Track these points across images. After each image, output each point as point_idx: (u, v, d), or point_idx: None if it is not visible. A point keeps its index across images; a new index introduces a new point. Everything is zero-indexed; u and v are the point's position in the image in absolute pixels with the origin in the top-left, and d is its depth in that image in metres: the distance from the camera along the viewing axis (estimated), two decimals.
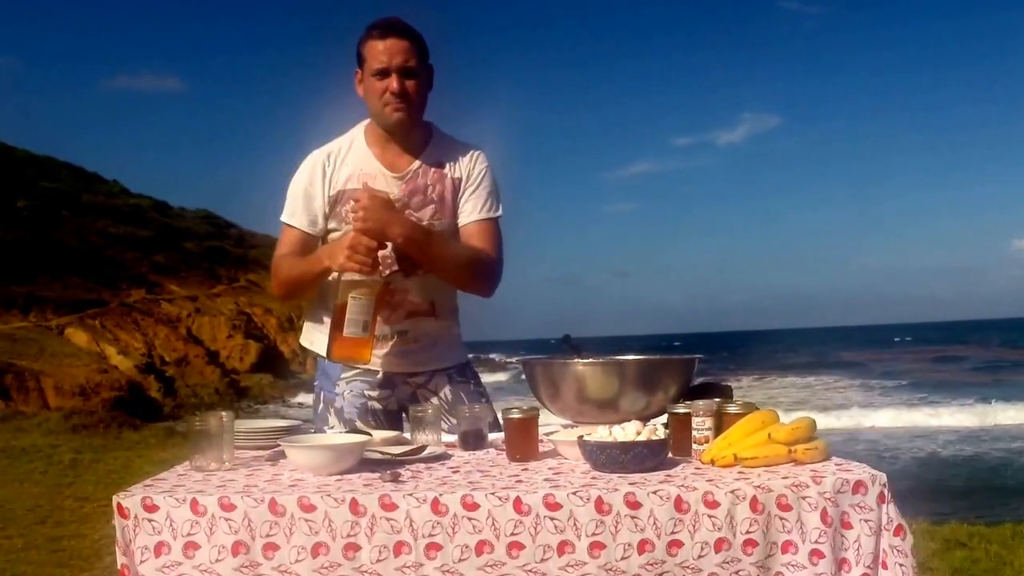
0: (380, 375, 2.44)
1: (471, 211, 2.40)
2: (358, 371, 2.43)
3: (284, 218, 2.43)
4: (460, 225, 2.41)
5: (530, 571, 1.51)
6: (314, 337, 2.50)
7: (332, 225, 2.39)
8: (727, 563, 1.53)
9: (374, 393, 2.44)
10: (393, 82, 2.27)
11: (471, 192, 2.41)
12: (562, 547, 1.51)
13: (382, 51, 2.27)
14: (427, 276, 2.39)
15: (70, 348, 26.13)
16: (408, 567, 1.50)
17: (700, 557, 1.52)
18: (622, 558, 1.51)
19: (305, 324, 2.59)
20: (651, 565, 1.51)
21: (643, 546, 1.52)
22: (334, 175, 2.38)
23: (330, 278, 2.31)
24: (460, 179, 2.41)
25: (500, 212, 2.44)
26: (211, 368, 29.38)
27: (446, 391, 2.47)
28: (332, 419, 2.43)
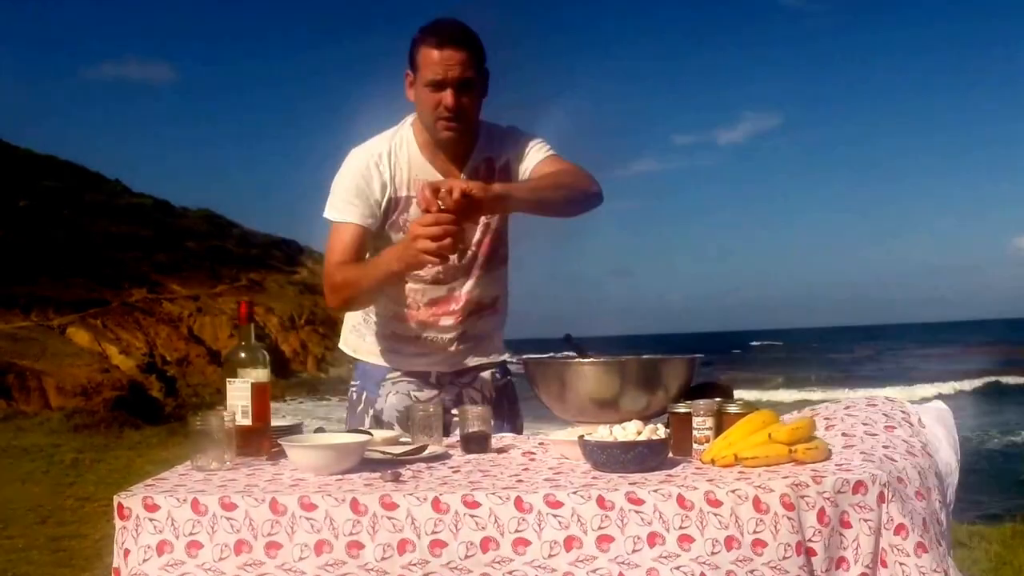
0: (432, 376, 2.42)
1: (531, 162, 2.33)
2: (406, 371, 2.41)
3: (333, 215, 2.25)
4: (526, 172, 2.33)
5: (539, 567, 1.49)
6: (357, 345, 2.48)
7: (390, 234, 2.29)
8: (740, 561, 1.51)
9: (420, 394, 2.40)
10: (448, 97, 2.15)
11: (518, 158, 2.34)
12: (569, 542, 1.50)
13: (438, 62, 2.14)
14: (496, 271, 2.39)
15: (72, 348, 26.13)
16: (414, 564, 1.50)
17: (713, 554, 1.50)
18: (633, 551, 1.49)
19: (347, 327, 2.52)
20: (664, 558, 1.50)
21: (653, 539, 1.50)
22: (393, 177, 2.27)
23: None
24: (508, 161, 2.35)
25: (551, 151, 2.36)
26: (212, 368, 29.37)
27: (490, 390, 2.46)
28: (369, 421, 2.38)
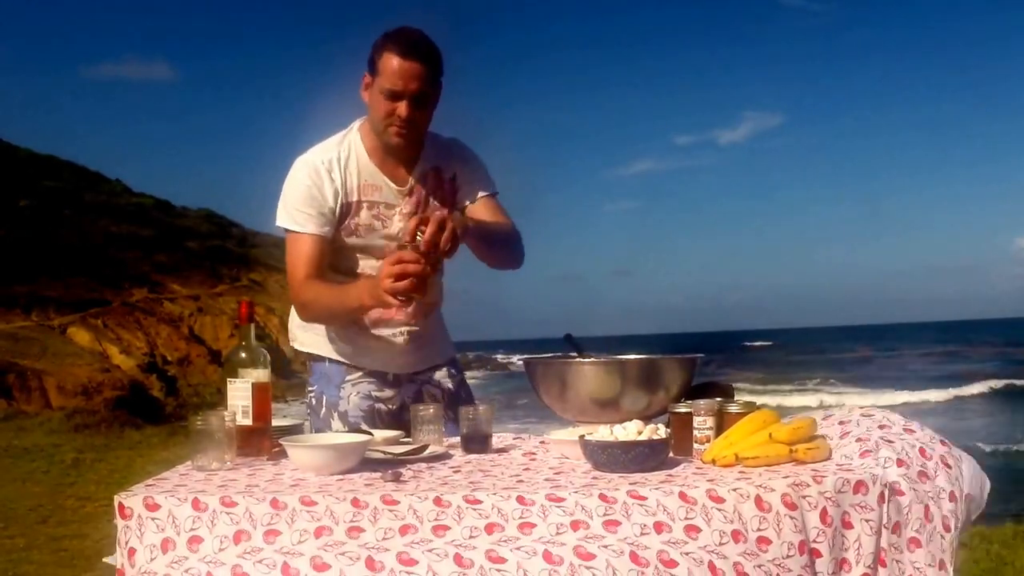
0: (390, 375, 2.44)
1: (470, 192, 2.39)
2: (364, 372, 2.43)
3: (290, 225, 2.28)
4: (466, 207, 2.39)
5: (547, 543, 1.47)
6: (308, 340, 2.49)
7: (344, 239, 2.31)
8: (748, 555, 1.50)
9: (381, 394, 2.43)
10: (403, 108, 2.18)
11: (466, 179, 2.40)
12: (576, 525, 1.49)
13: (398, 72, 2.16)
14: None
15: (72, 347, 26.12)
16: (416, 543, 1.47)
17: (721, 544, 1.50)
18: (641, 534, 1.48)
19: (294, 324, 2.52)
20: (672, 543, 1.48)
21: (660, 527, 1.49)
22: (344, 183, 2.28)
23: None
24: (455, 176, 2.40)
25: (497, 190, 2.44)
26: (213, 367, 29.36)
27: (448, 385, 2.50)
28: (336, 422, 2.40)
